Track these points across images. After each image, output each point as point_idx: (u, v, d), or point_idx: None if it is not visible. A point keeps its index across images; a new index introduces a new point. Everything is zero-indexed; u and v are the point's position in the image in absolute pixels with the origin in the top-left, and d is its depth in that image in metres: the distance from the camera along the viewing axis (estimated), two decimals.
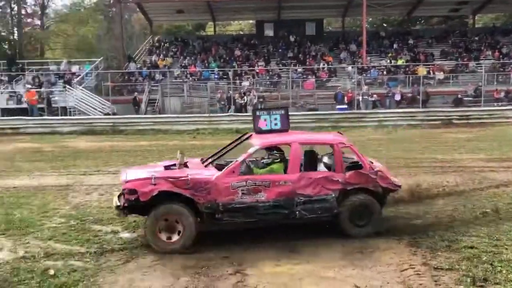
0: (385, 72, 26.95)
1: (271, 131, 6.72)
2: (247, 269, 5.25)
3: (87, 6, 38.47)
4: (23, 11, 36.60)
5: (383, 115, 20.68)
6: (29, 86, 23.50)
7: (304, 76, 26.29)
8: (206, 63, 28.93)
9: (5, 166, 12.40)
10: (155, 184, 5.80)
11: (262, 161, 7.02)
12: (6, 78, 26.29)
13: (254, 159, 6.96)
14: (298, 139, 6.55)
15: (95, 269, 5.26)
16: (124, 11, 33.82)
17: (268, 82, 26.22)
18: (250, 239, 6.23)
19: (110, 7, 40.84)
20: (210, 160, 6.81)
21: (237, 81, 25.14)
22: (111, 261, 5.56)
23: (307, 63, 28.25)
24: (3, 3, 35.50)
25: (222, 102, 22.99)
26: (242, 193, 5.94)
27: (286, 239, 6.19)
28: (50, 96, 23.35)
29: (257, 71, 27.12)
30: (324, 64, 27.92)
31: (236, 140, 7.14)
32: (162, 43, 34.42)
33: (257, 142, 6.51)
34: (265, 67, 28.00)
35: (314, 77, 26.14)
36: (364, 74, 25.92)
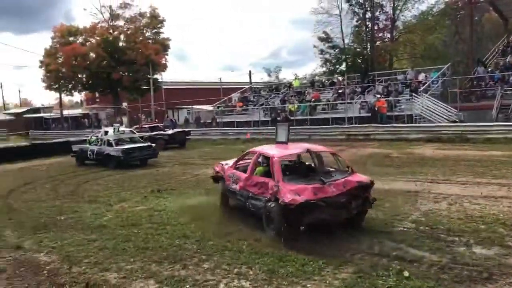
0: None
1: (279, 143, 8.67)
2: None
3: (435, 13, 38.25)
4: (375, 27, 39.81)
5: None
6: (379, 95, 25.29)
7: None
8: None
9: (358, 169, 13.75)
10: (217, 168, 9.71)
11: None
12: (359, 89, 29.25)
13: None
14: (259, 150, 8.55)
15: (451, 280, 5.13)
16: (474, 12, 31.87)
17: None
18: None
19: (458, 10, 39.35)
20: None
21: None
22: (464, 275, 5.31)
23: None
24: (359, 22, 39.67)
25: None
26: (233, 181, 8.62)
27: None
28: (397, 104, 24.52)
29: None
30: None
31: None
32: None
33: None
34: None
35: None
36: None
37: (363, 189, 7.42)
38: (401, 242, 6.60)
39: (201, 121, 34.48)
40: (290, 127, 9.14)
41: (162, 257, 6.50)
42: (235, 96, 39.05)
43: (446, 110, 22.24)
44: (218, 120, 33.11)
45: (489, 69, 26.72)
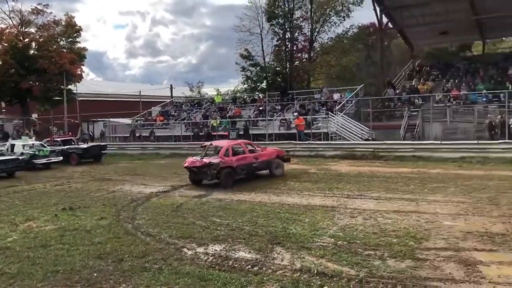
0: None
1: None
2: None
3: (350, 37, 40.66)
4: (294, 47, 41.35)
5: None
6: (296, 113, 26.07)
7: None
8: (472, 86, 26.47)
9: (277, 185, 13.99)
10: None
11: None
12: (279, 107, 29.98)
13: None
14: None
15: None
16: (384, 38, 34.25)
17: None
18: None
19: (370, 35, 42.07)
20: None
21: None
22: None
23: None
24: (279, 41, 40.98)
25: (492, 128, 20.43)
26: None
27: None
28: (314, 122, 25.43)
29: None
30: None
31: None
32: (424, 67, 33.31)
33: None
34: None
35: None
36: None
37: (208, 166, 13.81)
38: (321, 257, 6.72)
39: (120, 135, 32.84)
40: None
41: (74, 281, 6.04)
42: (155, 109, 38.21)
43: (360, 128, 23.48)
44: (137, 134, 32.03)
45: (398, 91, 28.74)
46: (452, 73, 30.00)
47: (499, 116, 20.24)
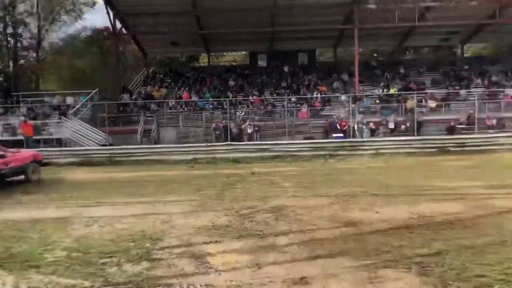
0: (377, 101, 27.24)
1: None
2: None
3: (82, 39, 39.00)
4: (18, 44, 36.99)
5: (380, 144, 20.62)
6: (23, 118, 23.42)
7: (298, 106, 26.49)
8: (201, 94, 29.13)
9: (1, 198, 12.24)
10: None
11: None
12: (1, 110, 26.31)
13: None
14: None
15: None
16: (119, 43, 34.21)
17: (262, 112, 26.39)
18: None
19: (105, 39, 41.32)
20: None
21: (232, 111, 25.26)
22: None
23: (301, 92, 28.57)
24: None
25: (218, 132, 23.00)
26: None
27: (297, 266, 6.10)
28: (45, 127, 23.37)
29: (252, 101, 27.34)
30: (317, 94, 28.24)
31: None
32: (157, 74, 34.72)
33: None
34: (259, 96, 28.25)
35: (308, 106, 26.35)
36: (358, 103, 26.13)
37: None
38: (52, 273, 6.18)
39: None
40: None
41: None
42: None
43: (96, 134, 22.80)
44: None
45: (134, 97, 29.15)
46: (183, 81, 32.29)
47: (224, 121, 22.95)
